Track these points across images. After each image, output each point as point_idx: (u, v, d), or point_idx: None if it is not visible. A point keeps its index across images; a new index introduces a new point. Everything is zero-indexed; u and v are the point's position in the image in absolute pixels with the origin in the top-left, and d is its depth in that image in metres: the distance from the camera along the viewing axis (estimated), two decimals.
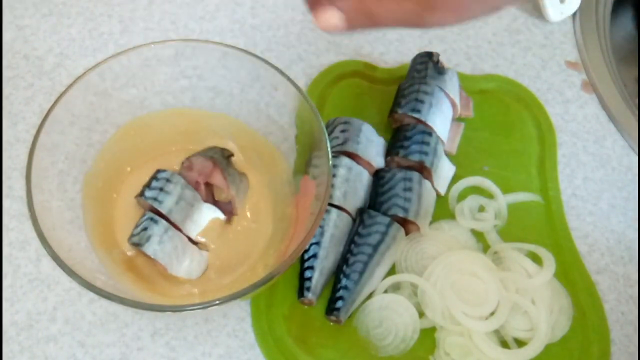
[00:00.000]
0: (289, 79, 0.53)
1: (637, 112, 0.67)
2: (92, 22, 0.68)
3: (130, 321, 0.53)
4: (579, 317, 0.55)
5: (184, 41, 0.55)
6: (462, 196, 0.60)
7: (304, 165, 0.54)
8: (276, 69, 0.53)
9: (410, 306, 0.53)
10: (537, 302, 0.53)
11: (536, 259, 0.56)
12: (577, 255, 0.58)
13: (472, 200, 0.59)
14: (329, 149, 0.50)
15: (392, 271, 0.55)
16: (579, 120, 0.67)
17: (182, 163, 0.55)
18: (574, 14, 0.74)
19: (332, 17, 0.40)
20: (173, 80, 0.54)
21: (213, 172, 0.54)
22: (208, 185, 0.54)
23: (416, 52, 0.66)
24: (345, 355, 0.52)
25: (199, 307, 0.44)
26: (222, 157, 0.55)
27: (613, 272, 0.58)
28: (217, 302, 0.44)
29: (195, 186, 0.53)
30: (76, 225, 0.50)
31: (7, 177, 0.58)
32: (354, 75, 0.67)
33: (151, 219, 0.51)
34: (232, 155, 0.56)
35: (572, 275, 0.57)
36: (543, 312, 0.52)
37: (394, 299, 0.53)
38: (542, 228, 0.60)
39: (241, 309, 0.54)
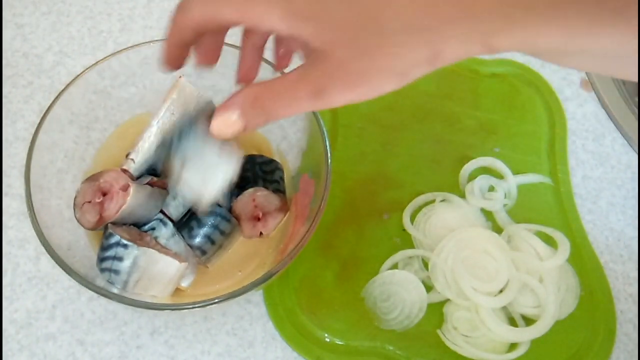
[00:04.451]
0: None
1: (636, 111, 0.67)
2: (91, 20, 0.68)
3: (130, 319, 0.53)
4: (587, 296, 0.56)
5: None
6: (472, 176, 0.61)
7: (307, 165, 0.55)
8: (275, 67, 0.53)
9: (420, 285, 0.54)
10: (545, 281, 0.54)
11: (547, 239, 0.57)
12: (585, 236, 0.59)
13: (483, 180, 0.60)
14: (328, 147, 0.50)
15: (406, 244, 0.57)
16: (578, 119, 0.67)
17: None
18: None
19: (230, 120, 0.36)
20: (172, 78, 0.54)
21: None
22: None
23: None
24: (353, 327, 0.53)
25: (198, 305, 0.44)
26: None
27: (612, 270, 0.58)
28: (216, 300, 0.44)
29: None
30: (75, 224, 0.50)
31: (6, 176, 0.58)
32: None
33: (160, 220, 0.51)
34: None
35: (580, 255, 0.58)
36: (551, 290, 0.53)
37: (405, 276, 0.54)
38: (551, 209, 0.60)
39: (240, 307, 0.54)
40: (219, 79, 0.57)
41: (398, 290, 0.53)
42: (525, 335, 0.52)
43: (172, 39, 0.38)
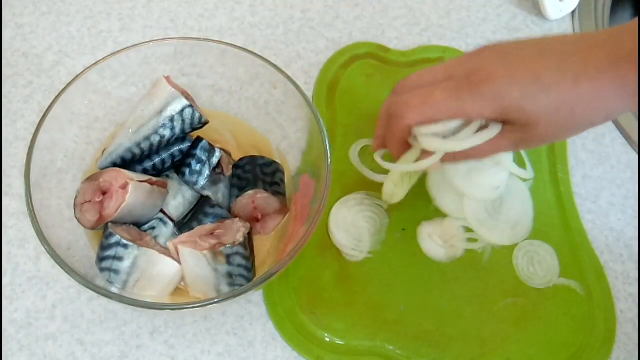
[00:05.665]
0: (287, 77, 0.53)
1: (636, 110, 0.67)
2: (91, 20, 0.68)
3: (130, 319, 0.53)
4: (587, 296, 0.56)
5: (183, 39, 0.55)
6: None
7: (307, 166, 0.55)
8: (275, 67, 0.53)
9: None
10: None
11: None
12: (585, 236, 0.59)
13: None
14: (328, 147, 0.50)
15: (406, 241, 0.58)
16: None
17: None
18: (573, 12, 0.74)
19: None
20: (172, 78, 0.54)
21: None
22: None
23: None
24: (353, 327, 0.53)
25: (198, 305, 0.44)
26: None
27: (612, 270, 0.58)
28: (216, 300, 0.44)
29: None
30: (75, 223, 0.50)
31: (6, 175, 0.58)
32: (367, 57, 0.68)
33: (160, 219, 0.51)
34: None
35: (580, 255, 0.58)
36: None
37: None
38: (551, 209, 0.60)
39: (240, 307, 0.54)
40: (218, 79, 0.57)
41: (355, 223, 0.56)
42: (460, 144, 0.48)
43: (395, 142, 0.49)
